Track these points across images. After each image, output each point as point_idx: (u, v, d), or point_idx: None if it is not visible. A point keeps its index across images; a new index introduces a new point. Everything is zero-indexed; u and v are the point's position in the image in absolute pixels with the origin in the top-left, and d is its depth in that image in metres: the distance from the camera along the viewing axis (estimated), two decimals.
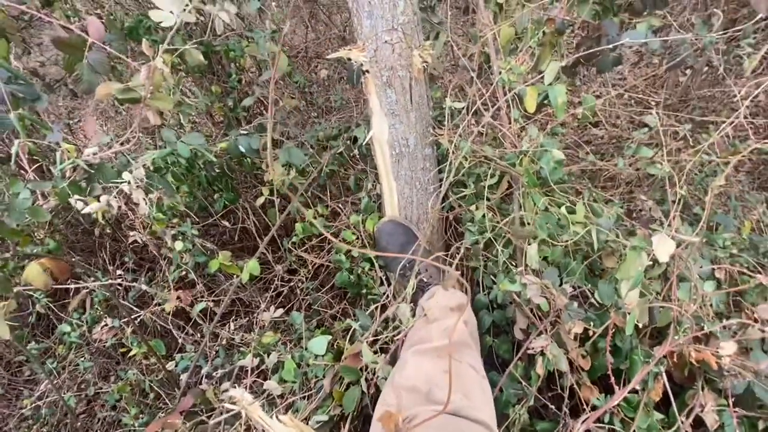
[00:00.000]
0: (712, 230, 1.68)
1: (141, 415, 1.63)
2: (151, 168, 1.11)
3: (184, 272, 1.73)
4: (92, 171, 1.19)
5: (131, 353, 1.74)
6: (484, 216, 1.33)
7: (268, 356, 1.41)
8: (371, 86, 1.56)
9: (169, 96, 0.96)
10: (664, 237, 1.03)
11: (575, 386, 1.10)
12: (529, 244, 1.15)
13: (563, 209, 1.06)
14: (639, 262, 0.99)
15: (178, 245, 1.55)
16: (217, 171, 1.47)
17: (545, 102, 1.40)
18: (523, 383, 1.12)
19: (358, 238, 1.57)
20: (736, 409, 1.08)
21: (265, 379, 1.39)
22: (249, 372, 1.35)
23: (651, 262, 1.03)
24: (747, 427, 1.12)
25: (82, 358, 1.77)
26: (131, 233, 1.63)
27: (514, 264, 1.23)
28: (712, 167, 1.93)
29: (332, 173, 1.73)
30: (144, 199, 1.02)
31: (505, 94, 1.33)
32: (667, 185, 1.09)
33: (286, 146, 1.37)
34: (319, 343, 1.34)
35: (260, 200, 1.57)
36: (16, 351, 1.93)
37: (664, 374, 1.03)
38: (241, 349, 1.54)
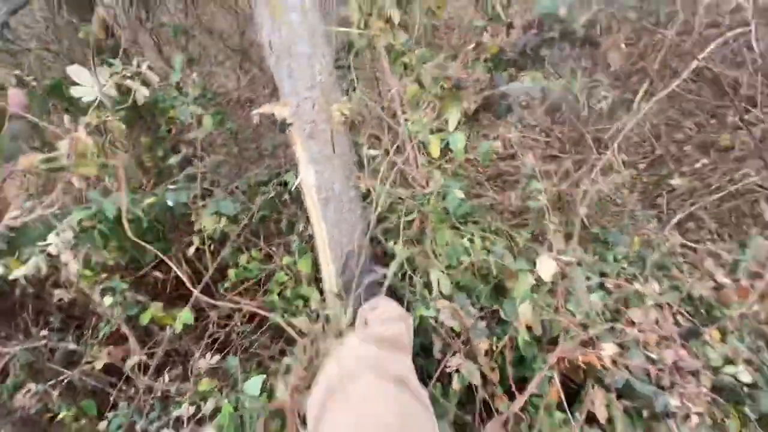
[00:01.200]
0: (608, 246, 1.93)
1: None
2: (77, 229, 1.15)
3: (115, 327, 1.71)
4: (12, 235, 1.21)
5: (59, 416, 1.66)
6: (402, 249, 1.47)
7: (205, 403, 1.43)
8: (296, 137, 1.70)
9: (93, 160, 1.03)
10: (547, 258, 1.22)
11: (488, 398, 1.24)
12: (441, 272, 1.30)
13: (465, 241, 1.22)
14: (526, 281, 1.16)
15: (107, 300, 1.55)
16: (146, 224, 1.51)
17: (449, 147, 1.61)
18: (442, 400, 1.24)
19: (290, 278, 1.65)
20: (621, 401, 1.27)
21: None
22: (186, 421, 1.36)
23: (536, 282, 1.21)
24: (634, 416, 1.30)
25: (2, 430, 1.66)
26: (56, 291, 1.61)
27: (429, 292, 1.37)
28: (609, 192, 2.24)
29: (264, 218, 1.82)
30: (73, 258, 1.06)
31: (411, 142, 1.51)
32: (547, 214, 1.29)
33: (215, 198, 1.45)
34: (253, 385, 1.39)
35: (192, 249, 1.61)
36: None
37: (556, 378, 1.20)
38: (177, 399, 1.54)
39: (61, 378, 1.73)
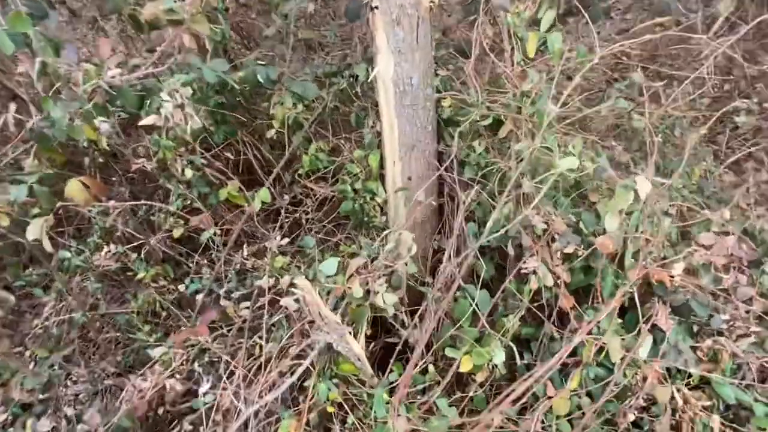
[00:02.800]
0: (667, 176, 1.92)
1: (154, 333, 1.75)
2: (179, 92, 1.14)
3: (189, 201, 1.78)
4: (114, 93, 1.20)
5: (138, 277, 1.81)
6: (482, 153, 1.47)
7: (282, 277, 1.54)
8: (379, 23, 1.60)
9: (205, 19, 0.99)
10: (644, 179, 1.22)
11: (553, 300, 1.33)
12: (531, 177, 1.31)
13: (568, 147, 1.21)
14: (626, 197, 1.17)
15: (188, 173, 1.59)
16: (221, 102, 1.48)
17: (541, 49, 1.52)
18: (518, 296, 1.33)
19: (361, 171, 1.67)
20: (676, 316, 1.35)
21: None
22: (267, 290, 1.48)
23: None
24: (685, 329, 1.40)
25: (89, 281, 1.82)
26: (137, 161, 1.64)
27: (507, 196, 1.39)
28: (671, 120, 2.15)
29: (334, 110, 1.79)
30: (185, 115, 1.07)
31: (510, 38, 1.42)
32: (645, 136, 1.26)
33: (299, 80, 1.41)
34: (329, 265, 1.48)
35: (271, 132, 1.61)
36: (15, 276, 1.94)
37: (635, 292, 1.26)
38: (253, 273, 1.65)
39: (141, 242, 1.85)
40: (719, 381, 1.46)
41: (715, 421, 1.41)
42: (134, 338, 1.76)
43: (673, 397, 1.40)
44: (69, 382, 1.69)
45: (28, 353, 1.77)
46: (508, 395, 1.27)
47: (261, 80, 1.34)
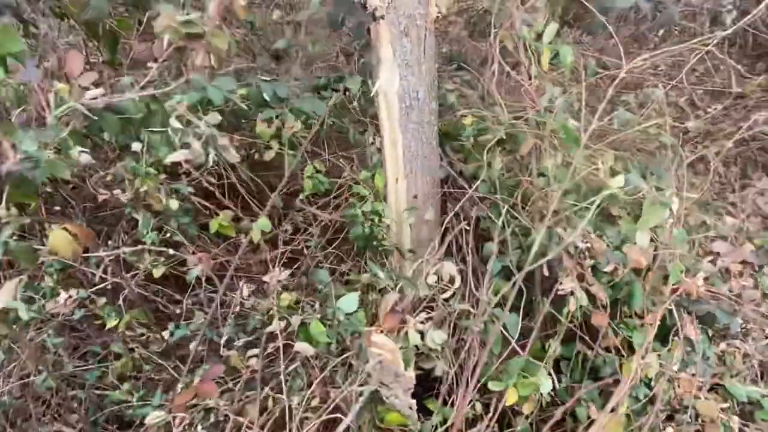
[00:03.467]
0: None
1: (135, 391, 1.49)
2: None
3: (168, 234, 1.55)
4: (94, 118, 0.99)
5: (109, 325, 1.54)
6: (501, 169, 1.41)
7: (286, 320, 1.38)
8: (385, 34, 1.48)
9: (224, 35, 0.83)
10: (674, 196, 1.23)
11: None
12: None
13: (598, 162, 1.17)
14: (660, 214, 1.16)
15: (173, 204, 1.37)
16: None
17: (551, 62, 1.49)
18: (559, 318, 1.28)
19: (370, 193, 1.55)
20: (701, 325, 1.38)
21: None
22: (279, 335, 1.31)
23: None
24: (708, 336, 1.44)
25: (47, 335, 1.52)
26: (102, 192, 1.40)
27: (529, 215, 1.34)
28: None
29: (330, 125, 1.65)
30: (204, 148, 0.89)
31: (526, 51, 1.38)
32: (678, 149, 1.27)
33: (303, 96, 1.27)
34: (349, 301, 1.34)
35: (270, 153, 1.44)
36: None
37: (673, 307, 1.26)
38: (255, 314, 1.47)
39: (105, 285, 1.58)
40: (731, 382, 1.52)
41: (735, 421, 1.46)
42: (110, 398, 1.49)
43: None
44: None
45: None
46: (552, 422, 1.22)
47: (267, 98, 1.18)
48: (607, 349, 1.37)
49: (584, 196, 1.25)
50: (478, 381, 1.21)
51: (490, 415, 1.22)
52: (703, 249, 1.49)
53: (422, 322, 1.17)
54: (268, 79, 1.18)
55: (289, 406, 1.23)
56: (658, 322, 1.34)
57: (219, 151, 0.92)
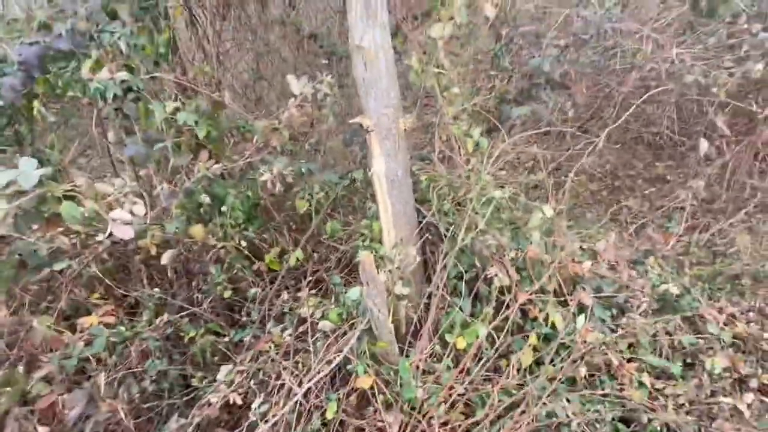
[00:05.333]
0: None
1: (204, 379, 2.12)
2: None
3: (234, 271, 2.36)
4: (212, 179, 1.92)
5: (189, 336, 2.25)
6: (450, 210, 2.23)
7: (315, 311, 2.09)
8: (374, 139, 2.49)
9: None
10: (548, 207, 2.01)
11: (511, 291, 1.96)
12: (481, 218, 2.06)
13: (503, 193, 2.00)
14: (537, 217, 1.93)
15: (244, 243, 2.22)
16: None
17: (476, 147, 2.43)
18: (488, 292, 1.95)
19: (368, 234, 2.37)
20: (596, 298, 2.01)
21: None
22: (308, 319, 2.01)
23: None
24: (604, 309, 2.04)
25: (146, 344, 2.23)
26: (168, 252, 2.25)
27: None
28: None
29: (343, 197, 2.56)
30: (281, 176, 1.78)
31: (456, 142, 2.32)
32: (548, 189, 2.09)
33: (320, 175, 2.21)
34: (354, 291, 2.06)
35: (302, 209, 2.33)
36: None
37: (558, 276, 1.93)
38: (291, 315, 2.17)
39: (189, 311, 2.34)
40: (643, 351, 2.05)
41: (646, 378, 1.96)
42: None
43: (611, 363, 1.95)
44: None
45: None
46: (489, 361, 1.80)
47: (304, 171, 2.11)
48: (535, 319, 1.98)
49: (492, 214, 2.04)
50: (436, 332, 1.85)
51: (447, 353, 1.82)
52: (591, 248, 2.18)
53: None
54: (304, 162, 2.12)
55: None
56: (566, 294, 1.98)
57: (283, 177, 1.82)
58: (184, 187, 1.71)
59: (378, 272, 2.18)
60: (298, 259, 2.24)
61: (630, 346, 2.02)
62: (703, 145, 2.43)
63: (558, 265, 1.96)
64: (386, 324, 1.77)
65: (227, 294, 2.30)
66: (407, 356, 1.83)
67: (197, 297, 2.47)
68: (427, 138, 2.80)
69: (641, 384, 1.93)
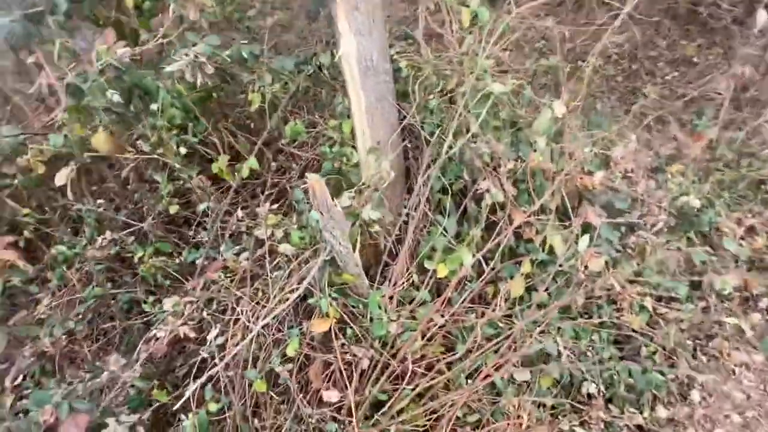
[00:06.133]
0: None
1: (156, 305, 1.89)
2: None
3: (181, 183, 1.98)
4: (123, 69, 1.43)
5: (137, 257, 1.97)
6: (436, 108, 1.79)
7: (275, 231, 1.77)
8: (341, 11, 1.91)
9: None
10: (560, 104, 1.57)
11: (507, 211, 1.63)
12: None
13: (503, 86, 1.53)
14: (547, 115, 1.50)
15: (182, 150, 1.80)
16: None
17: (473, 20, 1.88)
18: (477, 211, 1.62)
19: (336, 137, 1.95)
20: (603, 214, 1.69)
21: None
22: (265, 241, 1.70)
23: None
24: (612, 228, 1.74)
25: (88, 267, 1.96)
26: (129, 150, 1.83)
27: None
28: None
29: (307, 89, 2.07)
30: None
31: (448, 13, 1.77)
32: (562, 72, 1.62)
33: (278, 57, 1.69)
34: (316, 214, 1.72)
35: (255, 105, 1.86)
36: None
37: (563, 189, 1.59)
38: (248, 234, 1.86)
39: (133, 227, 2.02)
40: (648, 272, 1.80)
41: (648, 301, 1.74)
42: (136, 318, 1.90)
43: (612, 287, 1.72)
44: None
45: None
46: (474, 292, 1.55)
47: (245, 56, 1.60)
48: (530, 241, 1.69)
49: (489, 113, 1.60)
50: (414, 257, 1.56)
51: (427, 282, 1.56)
52: (604, 154, 1.80)
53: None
54: (245, 42, 1.60)
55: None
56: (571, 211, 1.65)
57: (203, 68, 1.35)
58: (65, 81, 1.24)
59: (342, 192, 1.81)
60: (252, 170, 1.85)
61: (636, 267, 1.77)
62: (762, 16, 1.89)
63: (564, 176, 1.60)
64: (351, 256, 1.47)
65: (173, 209, 1.96)
66: (379, 287, 1.57)
67: (144, 211, 2.14)
68: (410, 9, 2.19)
69: (642, 308, 1.73)
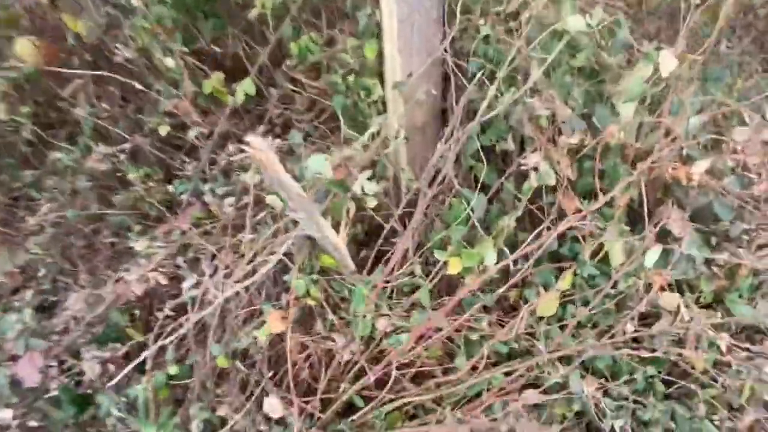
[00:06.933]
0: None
1: (142, 235, 1.72)
2: None
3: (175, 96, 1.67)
4: None
5: (129, 177, 1.77)
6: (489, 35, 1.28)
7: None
8: None
9: None
10: (670, 54, 1.04)
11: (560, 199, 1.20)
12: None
13: (587, 17, 1.01)
14: (641, 74, 1.00)
15: (169, 62, 1.46)
16: None
17: None
18: (516, 194, 1.21)
19: (355, 63, 1.51)
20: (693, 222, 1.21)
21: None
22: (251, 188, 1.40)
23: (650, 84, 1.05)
24: (703, 239, 1.27)
25: (80, 181, 1.80)
26: (118, 49, 1.52)
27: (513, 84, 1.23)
28: None
29: None
30: None
31: None
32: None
33: None
34: (317, 160, 1.37)
35: (254, 12, 1.45)
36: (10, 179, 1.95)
37: (642, 183, 1.12)
38: (238, 172, 1.57)
39: (128, 144, 1.79)
40: (733, 299, 1.35)
41: (723, 338, 1.32)
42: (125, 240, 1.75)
43: (678, 311, 1.30)
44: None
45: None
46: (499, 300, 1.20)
47: None
48: (575, 239, 1.27)
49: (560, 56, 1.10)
50: (421, 245, 1.22)
51: (432, 278, 1.23)
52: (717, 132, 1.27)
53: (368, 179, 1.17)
54: None
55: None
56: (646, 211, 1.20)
57: None
58: None
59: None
60: (247, 95, 1.49)
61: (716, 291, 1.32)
62: None
63: (651, 163, 1.12)
64: (327, 241, 1.14)
65: (163, 130, 1.69)
66: (369, 277, 1.25)
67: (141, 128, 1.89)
68: None
69: (712, 345, 1.32)
